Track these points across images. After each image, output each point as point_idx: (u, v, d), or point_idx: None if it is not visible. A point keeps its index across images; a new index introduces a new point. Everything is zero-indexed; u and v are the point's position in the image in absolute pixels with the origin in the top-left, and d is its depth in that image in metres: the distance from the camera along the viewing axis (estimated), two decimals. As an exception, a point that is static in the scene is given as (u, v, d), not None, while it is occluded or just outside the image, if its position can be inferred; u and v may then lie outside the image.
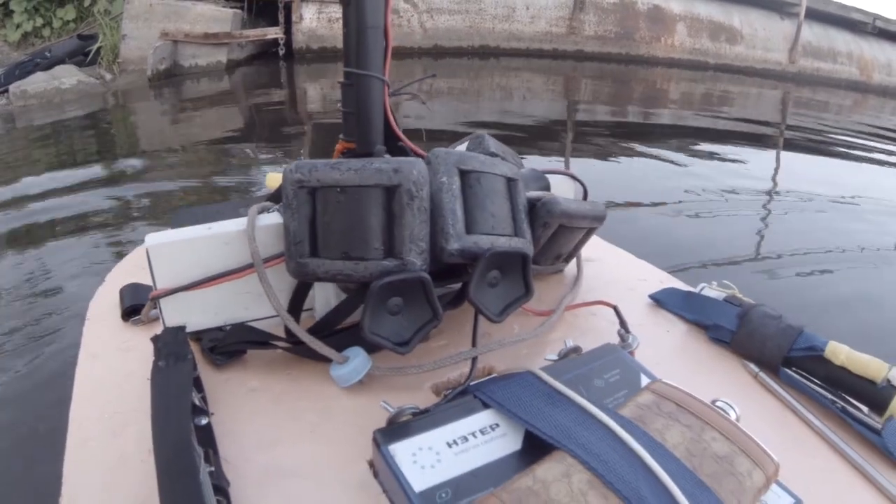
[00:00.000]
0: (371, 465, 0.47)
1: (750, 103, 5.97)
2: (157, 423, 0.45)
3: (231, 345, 0.58)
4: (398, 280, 0.50)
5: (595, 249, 0.83)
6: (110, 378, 0.58)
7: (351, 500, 0.44)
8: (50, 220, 2.33)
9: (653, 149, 3.68)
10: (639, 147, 3.77)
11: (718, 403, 0.47)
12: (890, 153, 4.27)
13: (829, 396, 0.57)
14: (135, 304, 0.67)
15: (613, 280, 0.77)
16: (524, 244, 0.58)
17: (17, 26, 5.42)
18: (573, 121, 4.59)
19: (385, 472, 0.43)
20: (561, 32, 6.50)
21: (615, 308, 0.63)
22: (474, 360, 0.55)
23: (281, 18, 5.65)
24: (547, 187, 0.73)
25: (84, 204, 2.47)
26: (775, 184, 3.32)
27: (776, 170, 3.63)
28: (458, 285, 0.62)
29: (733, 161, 3.58)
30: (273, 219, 0.59)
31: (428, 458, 0.42)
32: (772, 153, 4.07)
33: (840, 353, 0.57)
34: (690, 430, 0.42)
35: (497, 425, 0.45)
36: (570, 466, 0.38)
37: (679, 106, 5.42)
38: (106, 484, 0.46)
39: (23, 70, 4.63)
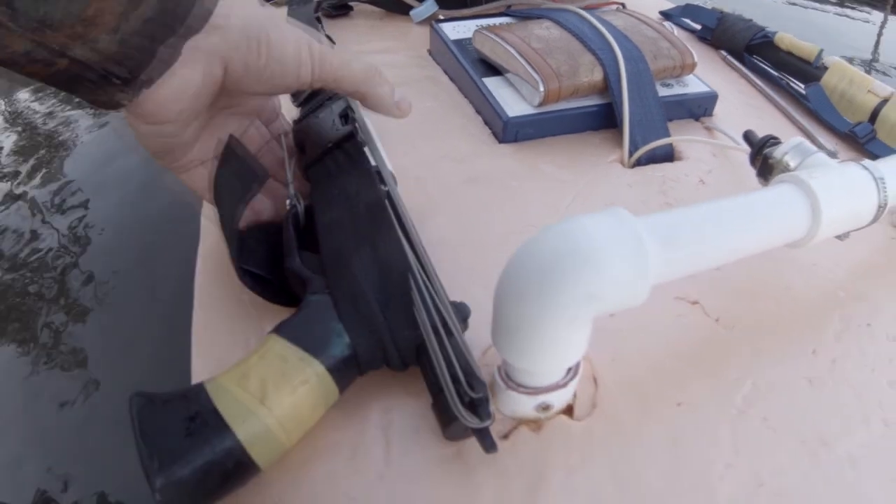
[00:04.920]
0: (429, 51, 0.72)
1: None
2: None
3: (342, 2, 0.84)
4: None
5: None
6: None
7: (413, 70, 0.70)
8: None
9: None
10: None
11: (667, 24, 0.68)
12: None
13: (777, 74, 0.76)
14: None
15: (635, 2, 0.95)
16: None
17: None
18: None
19: (436, 41, 0.69)
20: None
21: (622, 4, 0.84)
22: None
23: None
24: None
25: None
26: None
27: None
28: None
29: None
30: None
31: (462, 29, 0.67)
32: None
33: (785, 39, 0.76)
34: (632, 22, 0.64)
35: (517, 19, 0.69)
36: (546, 23, 0.62)
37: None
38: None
39: None
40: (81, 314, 1.09)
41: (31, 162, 1.53)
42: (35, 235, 1.29)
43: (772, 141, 0.44)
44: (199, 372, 0.36)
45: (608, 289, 0.27)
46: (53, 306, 1.12)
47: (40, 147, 1.59)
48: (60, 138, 1.61)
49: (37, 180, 1.46)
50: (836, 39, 2.21)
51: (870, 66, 2.10)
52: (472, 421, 0.28)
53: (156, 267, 1.12)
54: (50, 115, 1.73)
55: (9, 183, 1.47)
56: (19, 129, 1.70)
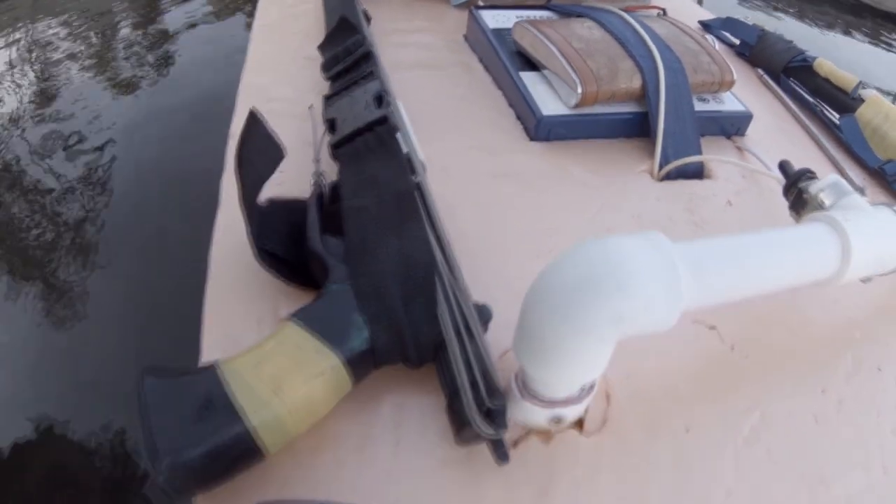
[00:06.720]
0: (465, 37, 0.71)
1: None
2: None
3: None
4: None
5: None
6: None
7: (447, 54, 0.68)
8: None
9: None
10: None
11: (708, 37, 0.66)
12: None
13: (812, 100, 0.74)
14: None
15: (675, 10, 0.93)
16: None
17: None
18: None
19: (473, 28, 0.67)
20: None
21: (663, 10, 0.82)
22: None
23: None
24: None
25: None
26: None
27: None
28: None
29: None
30: None
31: (502, 18, 0.66)
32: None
33: (824, 65, 0.74)
34: (674, 32, 0.63)
35: (558, 15, 0.67)
36: (588, 23, 0.61)
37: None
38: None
39: None
40: (90, 259, 1.09)
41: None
42: (50, 182, 1.28)
43: (808, 175, 0.43)
44: (209, 346, 0.35)
45: (639, 313, 0.27)
46: (62, 252, 1.11)
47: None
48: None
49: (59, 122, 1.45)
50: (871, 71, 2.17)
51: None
52: (486, 430, 0.28)
53: (172, 220, 1.11)
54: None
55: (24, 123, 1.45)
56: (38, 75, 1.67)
